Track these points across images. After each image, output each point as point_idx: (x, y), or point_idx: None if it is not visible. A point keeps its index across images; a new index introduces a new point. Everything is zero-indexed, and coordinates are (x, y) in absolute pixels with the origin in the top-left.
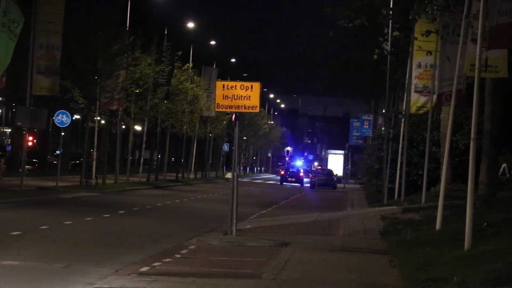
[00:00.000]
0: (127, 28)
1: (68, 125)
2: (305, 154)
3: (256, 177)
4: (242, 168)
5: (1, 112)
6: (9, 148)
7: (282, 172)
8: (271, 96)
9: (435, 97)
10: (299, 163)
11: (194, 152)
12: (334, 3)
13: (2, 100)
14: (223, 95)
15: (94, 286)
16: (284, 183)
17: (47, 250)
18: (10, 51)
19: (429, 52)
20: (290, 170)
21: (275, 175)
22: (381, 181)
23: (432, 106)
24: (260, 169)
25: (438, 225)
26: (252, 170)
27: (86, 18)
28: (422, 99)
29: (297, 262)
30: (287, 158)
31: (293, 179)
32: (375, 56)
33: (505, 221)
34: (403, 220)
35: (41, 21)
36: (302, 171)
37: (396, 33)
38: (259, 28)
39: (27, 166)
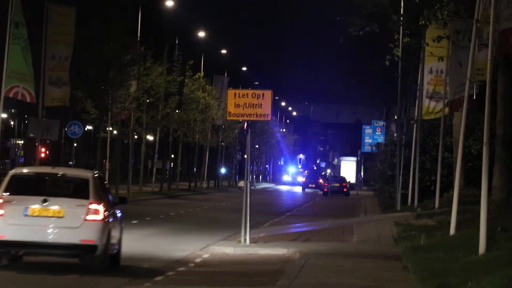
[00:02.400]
0: (139, 38)
1: (81, 136)
2: (318, 161)
3: (266, 186)
4: (254, 176)
5: (14, 124)
6: (22, 160)
7: (304, 179)
8: (283, 104)
9: (447, 102)
10: (292, 169)
11: (207, 161)
12: (344, 10)
13: (14, 112)
14: (235, 103)
15: None
16: (305, 189)
17: None
18: (29, 60)
19: (440, 58)
20: (311, 177)
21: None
22: (394, 187)
23: (444, 112)
24: (272, 178)
25: (452, 231)
26: (265, 178)
27: (97, 28)
28: (434, 105)
29: (311, 269)
30: (299, 166)
31: (314, 185)
32: (387, 62)
33: None
34: (416, 226)
35: (52, 32)
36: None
37: (406, 39)
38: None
39: None
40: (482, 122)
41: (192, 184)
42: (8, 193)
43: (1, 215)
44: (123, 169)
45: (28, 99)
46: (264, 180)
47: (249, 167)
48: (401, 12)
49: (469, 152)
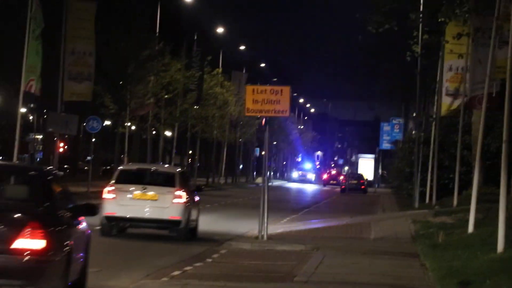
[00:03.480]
0: (157, 34)
1: (99, 131)
2: (335, 158)
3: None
4: (272, 173)
5: (33, 119)
6: (40, 155)
7: (326, 177)
8: (301, 101)
9: (466, 100)
10: (308, 165)
11: (225, 157)
12: (363, 8)
13: (33, 107)
14: (253, 99)
15: None
16: (326, 186)
17: None
18: (40, 55)
19: (460, 55)
20: (332, 174)
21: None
22: (412, 185)
23: (464, 110)
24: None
25: (470, 228)
26: (282, 175)
27: (116, 24)
28: (453, 102)
29: (328, 265)
30: (317, 163)
31: (335, 182)
32: (408, 58)
33: None
34: (434, 224)
35: (72, 27)
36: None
37: (425, 36)
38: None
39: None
40: (501, 120)
41: (210, 180)
42: (118, 183)
43: (114, 198)
44: None
45: (33, 90)
46: (282, 177)
47: (266, 163)
48: (420, 9)
49: (488, 150)
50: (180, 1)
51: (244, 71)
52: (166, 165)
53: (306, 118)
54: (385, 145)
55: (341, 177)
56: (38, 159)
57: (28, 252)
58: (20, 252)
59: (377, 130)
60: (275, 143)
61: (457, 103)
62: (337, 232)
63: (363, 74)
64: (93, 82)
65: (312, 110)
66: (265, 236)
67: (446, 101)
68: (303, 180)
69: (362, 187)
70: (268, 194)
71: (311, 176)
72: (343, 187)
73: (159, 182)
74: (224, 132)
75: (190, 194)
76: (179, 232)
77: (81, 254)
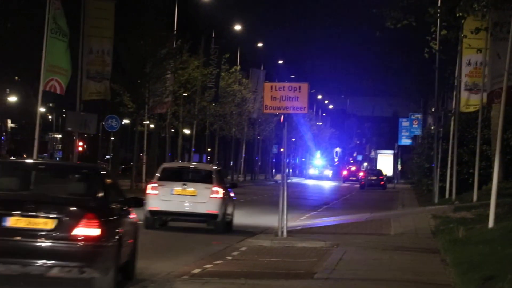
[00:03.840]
0: (175, 32)
1: (118, 129)
2: (354, 154)
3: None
4: (291, 170)
5: (52, 118)
6: (60, 154)
7: (345, 173)
8: (319, 97)
9: (485, 95)
10: (319, 162)
11: (243, 155)
12: (381, 2)
13: (52, 106)
14: (271, 96)
15: None
16: (345, 182)
17: None
18: (67, 55)
19: (479, 50)
20: (352, 170)
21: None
22: (431, 180)
23: (483, 104)
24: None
25: (490, 223)
26: (301, 172)
27: (134, 22)
28: (473, 97)
29: (349, 262)
30: (336, 160)
31: (354, 178)
32: (426, 55)
33: None
34: (454, 219)
35: (91, 26)
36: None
37: (444, 31)
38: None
39: None
40: None
41: (229, 177)
42: (161, 180)
43: (157, 193)
44: (160, 163)
45: (58, 91)
46: (301, 174)
47: (285, 160)
48: (438, 4)
49: (508, 144)
50: None
51: (262, 68)
52: (204, 164)
53: (324, 114)
54: (404, 141)
55: (361, 173)
56: (57, 159)
57: (85, 238)
58: (79, 238)
59: (396, 126)
60: (293, 140)
61: (476, 97)
62: (357, 228)
63: (382, 69)
64: (112, 80)
65: (331, 106)
66: (284, 233)
67: (465, 95)
68: (319, 176)
69: (381, 183)
70: (287, 191)
71: (328, 172)
72: (362, 183)
73: (198, 179)
74: (243, 129)
75: (226, 190)
76: (216, 225)
77: (131, 241)
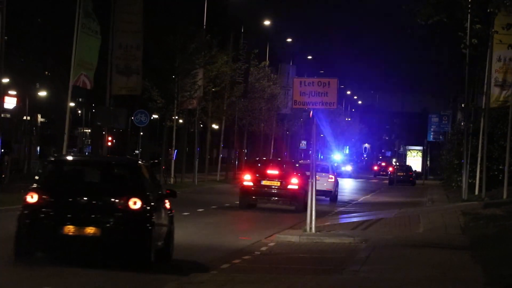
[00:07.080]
0: (204, 27)
1: (147, 124)
2: (383, 150)
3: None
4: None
5: (81, 113)
6: (89, 148)
7: (376, 168)
8: (348, 92)
9: None
10: (338, 156)
11: (272, 150)
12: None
13: (82, 101)
14: (300, 91)
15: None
16: (375, 177)
17: None
18: (95, 50)
19: (510, 46)
20: (382, 166)
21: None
22: (461, 176)
23: None
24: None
25: None
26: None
27: (164, 18)
28: (503, 93)
29: (377, 258)
30: (364, 155)
31: (384, 173)
32: (464, 50)
33: None
34: (484, 215)
35: (120, 21)
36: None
37: (478, 26)
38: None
39: None
40: None
41: None
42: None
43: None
44: (189, 158)
45: (88, 86)
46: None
47: (314, 156)
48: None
49: None
50: None
51: (291, 64)
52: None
53: (353, 110)
54: (434, 137)
55: (390, 169)
56: (86, 153)
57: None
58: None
59: (425, 122)
60: (322, 135)
61: (506, 93)
62: (385, 225)
63: (411, 65)
64: (141, 75)
65: (360, 102)
66: (313, 229)
67: (495, 91)
68: (339, 173)
69: (411, 179)
70: (316, 187)
71: (348, 168)
72: (391, 178)
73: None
74: (272, 125)
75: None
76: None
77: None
